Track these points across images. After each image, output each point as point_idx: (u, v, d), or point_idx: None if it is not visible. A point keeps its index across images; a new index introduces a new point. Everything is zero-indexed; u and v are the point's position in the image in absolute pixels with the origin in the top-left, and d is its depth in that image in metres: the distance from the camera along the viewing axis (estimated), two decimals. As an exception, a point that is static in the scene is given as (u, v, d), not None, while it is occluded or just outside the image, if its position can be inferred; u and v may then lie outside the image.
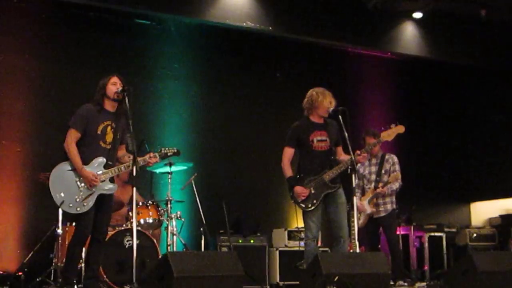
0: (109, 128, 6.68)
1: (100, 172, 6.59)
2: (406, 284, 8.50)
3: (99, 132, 6.62)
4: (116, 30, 10.07)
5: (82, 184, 6.51)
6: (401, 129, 7.62)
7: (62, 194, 6.41)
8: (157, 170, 8.80)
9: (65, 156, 6.56)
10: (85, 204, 6.51)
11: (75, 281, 6.75)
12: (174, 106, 10.42)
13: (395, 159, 8.83)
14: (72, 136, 6.54)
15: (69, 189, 6.46)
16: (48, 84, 9.47)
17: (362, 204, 8.68)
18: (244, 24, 10.23)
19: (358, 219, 8.70)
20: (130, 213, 8.13)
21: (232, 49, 10.93)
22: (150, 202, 8.38)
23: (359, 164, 8.80)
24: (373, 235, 8.85)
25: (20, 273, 8.08)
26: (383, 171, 8.76)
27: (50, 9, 9.58)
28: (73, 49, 9.74)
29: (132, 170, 6.40)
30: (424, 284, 8.89)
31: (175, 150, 7.02)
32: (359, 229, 8.45)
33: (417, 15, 11.36)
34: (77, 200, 6.48)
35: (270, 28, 10.44)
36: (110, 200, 6.83)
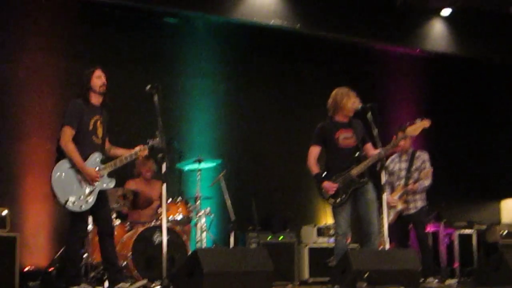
0: (98, 122, 6.73)
1: (98, 168, 6.63)
2: (436, 281, 8.46)
3: (91, 127, 6.65)
4: (144, 28, 10.11)
5: (84, 181, 6.54)
6: (426, 123, 7.49)
7: (65, 193, 6.42)
8: (186, 167, 8.83)
9: (59, 155, 6.54)
10: (88, 200, 6.55)
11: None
12: (202, 104, 10.45)
13: (426, 156, 8.77)
14: (68, 134, 6.52)
15: (72, 187, 6.47)
16: (76, 82, 9.51)
17: (392, 200, 8.64)
18: (272, 21, 10.24)
19: (388, 215, 8.69)
20: (159, 209, 8.17)
21: (259, 47, 10.93)
22: (179, 199, 8.42)
23: (389, 160, 8.80)
24: (402, 232, 8.80)
25: (51, 269, 8.14)
26: (413, 168, 8.71)
27: (78, 8, 9.64)
28: (101, 47, 9.78)
29: (161, 167, 6.43)
30: (454, 281, 8.84)
31: (161, 144, 6.64)
32: (388, 225, 8.46)
33: (446, 12, 11.30)
34: (81, 198, 6.51)
35: (298, 25, 10.43)
36: (107, 195, 6.88)
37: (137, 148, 6.89)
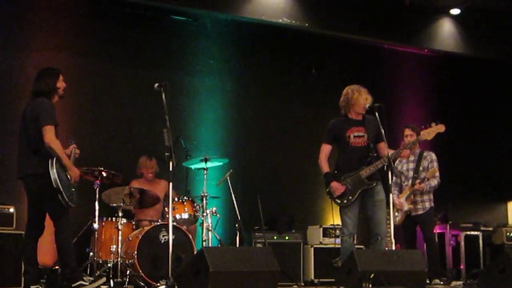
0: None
1: None
2: (442, 283, 8.44)
3: (58, 126, 6.69)
4: (152, 26, 10.11)
5: (67, 175, 6.59)
6: (441, 128, 7.54)
7: (65, 190, 6.46)
8: (193, 166, 8.83)
9: (42, 155, 6.53)
10: (75, 195, 6.65)
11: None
12: (210, 102, 10.44)
13: (433, 156, 8.76)
14: (53, 132, 6.54)
15: (67, 184, 6.53)
16: (85, 80, 9.55)
17: (399, 202, 8.63)
18: (280, 20, 10.23)
19: (395, 216, 8.69)
20: (165, 208, 8.17)
21: (267, 45, 10.92)
22: (185, 198, 8.42)
23: (397, 162, 8.78)
24: (410, 233, 8.78)
25: (56, 267, 8.15)
26: (421, 168, 8.69)
27: (87, 6, 9.66)
28: (109, 45, 9.81)
29: (168, 166, 6.43)
30: (460, 283, 8.83)
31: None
32: (396, 226, 8.47)
33: (455, 11, 11.28)
34: (72, 194, 6.58)
35: (306, 24, 10.42)
36: None
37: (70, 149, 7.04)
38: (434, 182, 8.64)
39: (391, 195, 7.09)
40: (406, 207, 8.63)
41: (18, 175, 6.76)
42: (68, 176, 6.59)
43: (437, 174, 8.67)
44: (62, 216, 6.62)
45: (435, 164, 8.71)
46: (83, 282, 6.43)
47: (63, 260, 6.64)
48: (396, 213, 8.69)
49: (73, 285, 6.41)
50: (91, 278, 6.74)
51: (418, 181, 8.58)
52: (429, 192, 8.67)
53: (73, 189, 6.61)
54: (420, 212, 8.63)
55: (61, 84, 6.83)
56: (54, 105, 6.71)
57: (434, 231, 9.20)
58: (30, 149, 6.61)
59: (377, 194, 7.24)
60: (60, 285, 7.67)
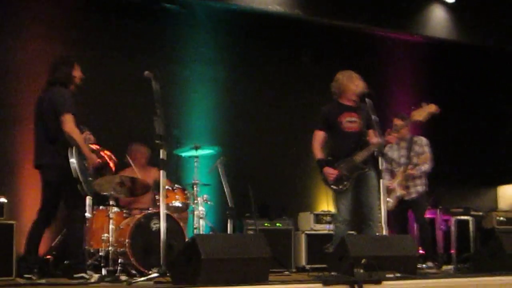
0: None
1: None
2: (432, 266, 8.50)
3: (76, 115, 6.65)
4: (143, 15, 10.08)
5: (86, 166, 6.56)
6: (432, 107, 7.44)
7: (83, 180, 6.41)
8: (184, 154, 8.83)
9: (61, 143, 6.49)
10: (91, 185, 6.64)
11: None
12: (201, 90, 10.44)
13: (425, 141, 8.79)
14: (73, 121, 6.51)
15: (85, 174, 6.49)
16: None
17: (391, 187, 8.66)
18: (270, 7, 10.21)
19: (387, 202, 8.72)
20: (156, 196, 8.17)
21: (259, 33, 10.90)
22: (176, 185, 8.42)
23: (387, 147, 8.79)
24: (401, 218, 8.83)
25: (48, 257, 8.17)
26: (412, 153, 8.72)
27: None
28: (101, 34, 9.79)
29: (159, 154, 6.43)
30: (451, 267, 8.88)
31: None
32: (388, 211, 8.50)
33: (448, -2, 11.29)
34: (90, 182, 6.60)
35: (297, 11, 10.40)
36: None
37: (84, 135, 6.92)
38: (426, 166, 8.68)
39: (381, 181, 7.10)
40: (398, 192, 8.66)
41: (35, 164, 6.72)
42: (86, 165, 6.55)
43: (429, 158, 8.69)
44: (78, 205, 6.60)
45: (427, 148, 8.74)
46: (85, 275, 6.42)
47: (71, 250, 6.61)
48: (388, 199, 8.71)
49: (75, 276, 6.40)
50: (94, 274, 6.71)
51: (410, 166, 8.61)
52: (421, 176, 8.70)
53: (90, 178, 6.57)
54: (414, 195, 8.68)
55: (77, 73, 6.80)
56: (71, 93, 6.67)
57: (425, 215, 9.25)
58: (47, 138, 6.57)
59: (370, 179, 7.26)
60: (52, 274, 7.70)
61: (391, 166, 8.88)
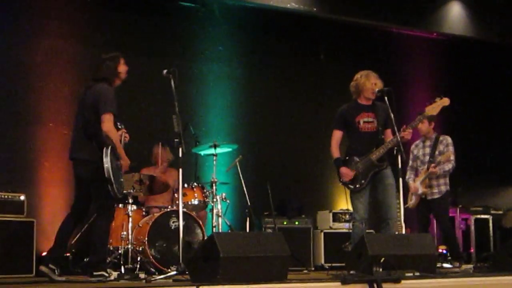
0: None
1: None
2: (451, 266, 8.48)
3: (117, 115, 6.63)
4: (160, 13, 10.11)
5: (118, 164, 6.50)
6: (446, 101, 7.45)
7: (115, 181, 6.32)
8: (202, 152, 8.84)
9: (92, 142, 6.46)
10: (123, 186, 6.59)
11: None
12: (218, 88, 10.45)
13: (449, 140, 8.77)
14: (112, 121, 6.45)
15: (117, 174, 6.41)
16: (93, 68, 9.51)
17: (415, 185, 8.66)
18: (288, 5, 10.20)
19: (410, 200, 8.72)
20: (175, 194, 8.18)
21: (276, 31, 10.90)
22: (195, 184, 8.44)
23: (413, 146, 8.89)
24: (424, 217, 8.79)
25: (67, 254, 8.20)
26: (436, 152, 8.70)
27: (95, -7, 9.68)
28: (118, 33, 9.81)
29: (177, 152, 6.44)
30: (470, 266, 8.82)
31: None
32: (410, 210, 8.51)
33: (464, -6, 11.23)
34: (122, 184, 6.55)
35: (314, 9, 10.39)
36: None
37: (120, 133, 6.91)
38: (449, 166, 8.64)
39: (400, 179, 7.08)
40: (420, 190, 8.64)
41: (70, 156, 6.68)
42: (119, 165, 6.51)
43: (452, 158, 8.67)
44: (107, 205, 6.58)
45: (451, 148, 8.72)
46: (105, 274, 6.42)
47: (95, 247, 6.58)
48: (411, 196, 8.73)
49: (95, 273, 6.41)
50: (113, 272, 6.72)
51: (433, 165, 8.59)
52: (445, 176, 8.68)
53: (121, 180, 6.53)
54: (436, 196, 8.64)
55: (122, 68, 6.77)
56: (114, 91, 6.60)
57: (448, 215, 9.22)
58: (86, 134, 6.53)
59: (387, 177, 7.24)
60: (71, 272, 7.72)
61: (416, 164, 8.88)
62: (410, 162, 8.92)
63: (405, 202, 8.18)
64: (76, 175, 6.66)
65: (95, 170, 6.29)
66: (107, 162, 6.21)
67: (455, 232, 9.06)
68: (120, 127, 6.96)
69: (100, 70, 6.73)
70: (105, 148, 6.30)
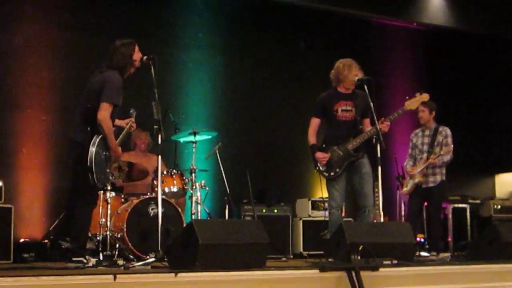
0: None
1: None
2: (428, 254, 8.56)
3: (120, 104, 6.56)
4: (141, -1, 10.07)
5: (108, 158, 6.48)
6: (425, 97, 7.64)
7: (98, 169, 6.26)
8: (182, 140, 8.82)
9: (88, 126, 6.36)
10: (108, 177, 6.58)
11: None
12: (198, 76, 10.43)
13: (448, 131, 8.91)
14: (109, 111, 6.36)
15: (102, 165, 6.38)
16: (73, 53, 9.49)
17: (412, 173, 8.75)
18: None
19: (406, 186, 8.82)
20: (154, 182, 8.16)
21: (256, 19, 10.89)
22: (174, 171, 8.42)
23: (412, 135, 9.06)
24: (416, 204, 8.90)
25: (45, 241, 8.17)
26: (435, 143, 8.81)
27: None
28: (97, 18, 9.74)
29: (157, 139, 6.42)
30: (448, 255, 8.90)
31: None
32: (404, 196, 8.65)
33: (444, -16, 11.27)
34: (106, 175, 6.53)
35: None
36: None
37: (127, 121, 6.89)
38: (447, 157, 8.79)
39: (379, 167, 7.11)
40: (417, 179, 8.75)
41: (68, 136, 6.65)
42: (108, 156, 6.45)
43: (451, 150, 8.80)
44: (88, 191, 6.49)
45: (450, 140, 8.86)
46: (84, 260, 6.39)
47: (75, 234, 6.54)
48: (406, 182, 8.98)
49: (73, 259, 6.37)
50: (92, 258, 6.68)
51: (432, 155, 8.68)
52: (442, 166, 8.79)
53: (107, 170, 6.50)
54: (431, 185, 8.76)
55: (137, 55, 6.65)
56: (121, 81, 6.49)
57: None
58: (85, 117, 6.44)
59: (363, 167, 7.29)
60: (49, 258, 7.68)
61: (414, 152, 8.97)
62: (410, 150, 9.12)
63: (389, 190, 8.24)
64: (67, 153, 6.68)
65: (82, 154, 6.24)
66: (91, 151, 6.18)
67: (440, 223, 9.11)
68: (132, 112, 6.94)
69: (115, 57, 6.60)
70: (95, 136, 6.28)
